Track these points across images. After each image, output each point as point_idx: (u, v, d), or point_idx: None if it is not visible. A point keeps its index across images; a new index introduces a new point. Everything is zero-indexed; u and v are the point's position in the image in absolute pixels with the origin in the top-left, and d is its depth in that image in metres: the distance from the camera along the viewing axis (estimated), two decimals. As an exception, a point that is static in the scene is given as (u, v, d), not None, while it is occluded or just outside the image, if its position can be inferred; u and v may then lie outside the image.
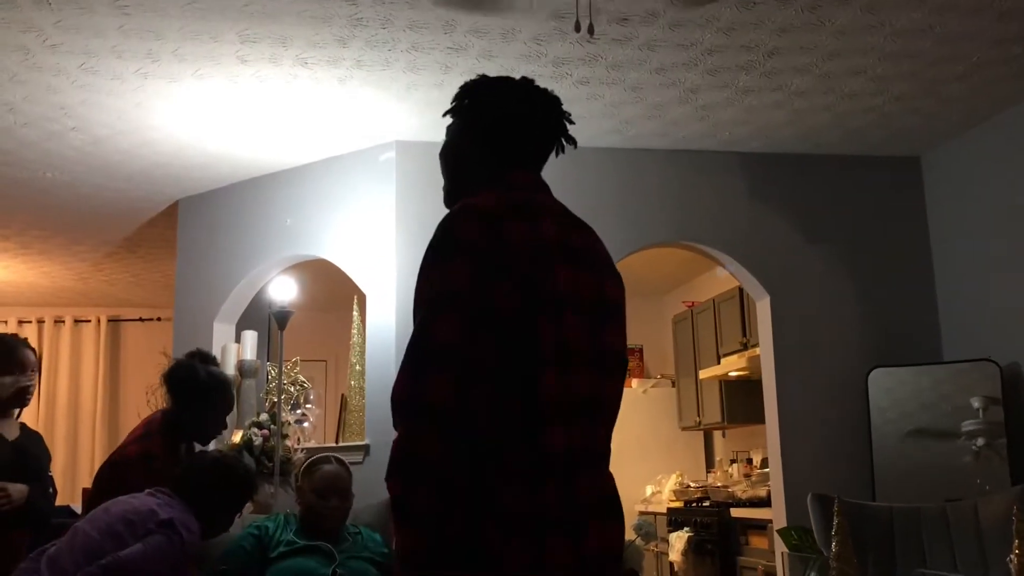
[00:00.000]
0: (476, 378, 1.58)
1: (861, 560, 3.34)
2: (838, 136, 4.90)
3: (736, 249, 5.02)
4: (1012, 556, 2.72)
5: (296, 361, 5.04)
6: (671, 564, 6.25)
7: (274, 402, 4.56)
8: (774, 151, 5.08)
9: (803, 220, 5.08)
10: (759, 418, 5.25)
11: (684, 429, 7.42)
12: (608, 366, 1.74)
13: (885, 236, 5.13)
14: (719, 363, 6.50)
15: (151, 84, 4.10)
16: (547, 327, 1.63)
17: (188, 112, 4.41)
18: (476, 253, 1.61)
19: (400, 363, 1.61)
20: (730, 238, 5.02)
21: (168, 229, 6.07)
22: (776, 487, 4.89)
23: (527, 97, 1.89)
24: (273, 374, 4.86)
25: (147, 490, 2.83)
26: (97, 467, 7.39)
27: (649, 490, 7.14)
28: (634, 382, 7.68)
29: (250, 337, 5.06)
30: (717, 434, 7.49)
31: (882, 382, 4.76)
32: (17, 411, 3.28)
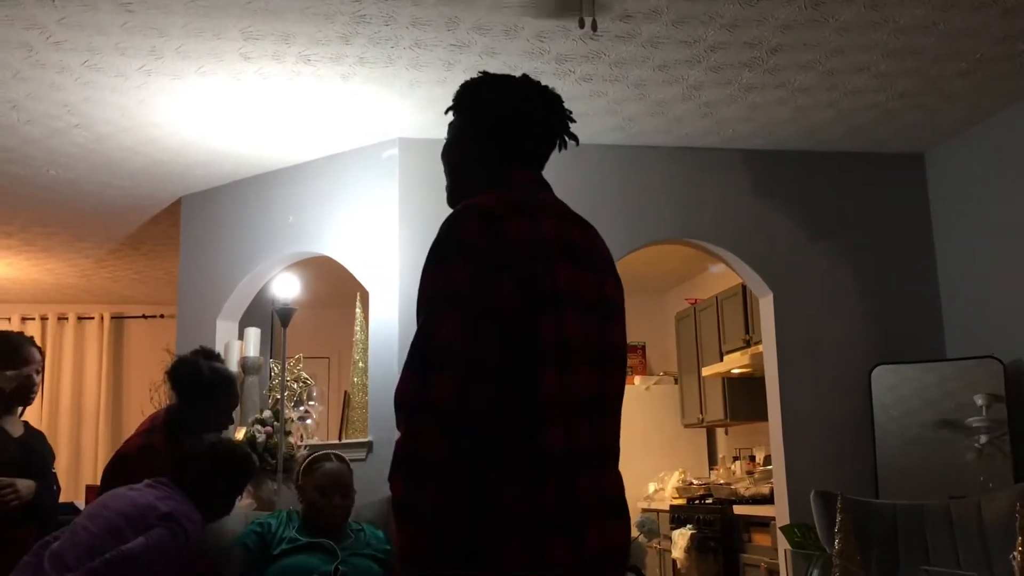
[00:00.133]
0: (478, 377, 1.58)
1: (864, 557, 3.33)
2: (841, 133, 4.89)
3: (739, 246, 5.01)
4: (1015, 553, 2.71)
5: (299, 358, 5.04)
6: (674, 561, 6.26)
7: (277, 399, 4.57)
8: (777, 148, 5.08)
9: (806, 217, 5.08)
10: (762, 415, 5.25)
11: (687, 426, 7.42)
12: (609, 364, 1.75)
13: (888, 233, 5.13)
14: (722, 360, 6.50)
15: (154, 81, 4.10)
16: (547, 326, 1.64)
17: (191, 109, 4.41)
18: (477, 253, 1.61)
19: (403, 362, 1.61)
20: (733, 235, 5.02)
21: (171, 226, 6.07)
22: (779, 484, 4.89)
23: (528, 95, 1.89)
24: (276, 371, 4.87)
25: (145, 481, 2.83)
26: (100, 464, 7.40)
27: (652, 487, 7.14)
28: (636, 379, 7.67)
29: (253, 334, 5.07)
30: (720, 431, 7.49)
31: (885, 379, 4.76)
32: (20, 409, 3.28)
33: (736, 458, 6.91)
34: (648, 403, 7.49)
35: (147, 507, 2.66)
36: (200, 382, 3.16)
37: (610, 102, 4.41)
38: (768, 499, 5.45)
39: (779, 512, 4.88)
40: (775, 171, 5.10)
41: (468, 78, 1.94)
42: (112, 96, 4.25)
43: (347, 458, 3.35)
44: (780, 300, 4.97)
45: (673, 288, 8.09)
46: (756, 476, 6.09)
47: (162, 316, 8.65)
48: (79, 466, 8.29)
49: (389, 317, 4.67)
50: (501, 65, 3.88)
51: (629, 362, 7.82)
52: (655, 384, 7.63)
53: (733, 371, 6.38)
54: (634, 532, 3.78)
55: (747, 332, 6.18)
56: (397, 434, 1.59)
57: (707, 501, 6.27)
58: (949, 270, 5.05)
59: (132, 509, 2.65)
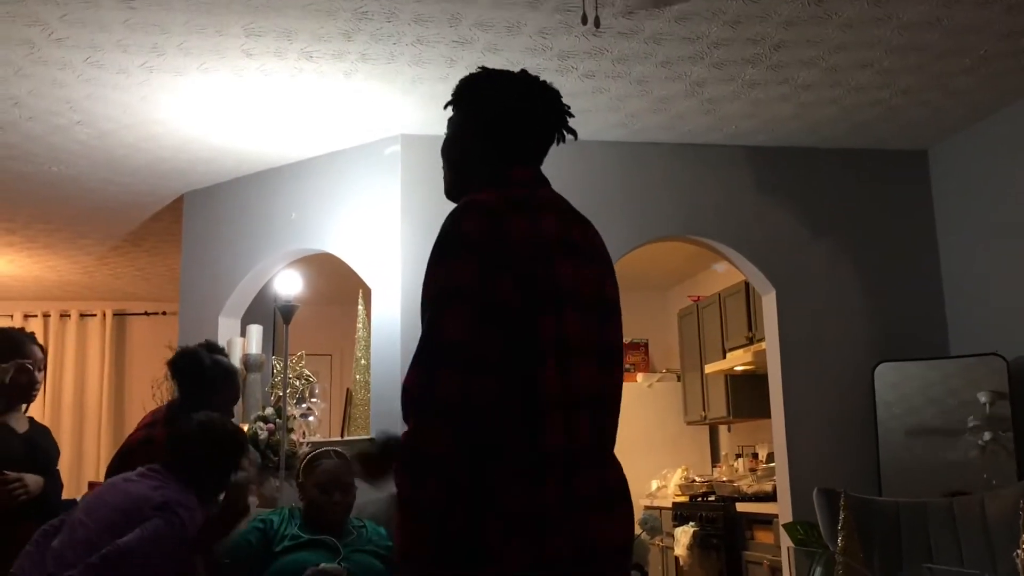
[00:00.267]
0: (481, 374, 1.59)
1: (867, 555, 3.33)
2: (844, 129, 4.88)
3: (742, 243, 5.01)
4: (1019, 551, 2.71)
5: (301, 355, 5.04)
6: (676, 559, 6.26)
7: (279, 396, 4.57)
8: (780, 145, 5.07)
9: (809, 214, 5.07)
10: (765, 413, 5.24)
11: (689, 423, 7.41)
12: (608, 362, 1.76)
13: (892, 230, 5.12)
14: (725, 357, 6.49)
15: (156, 78, 4.10)
16: (548, 323, 1.64)
17: (193, 106, 4.41)
18: (479, 250, 1.62)
19: (410, 360, 1.62)
20: (736, 232, 5.01)
21: (173, 223, 6.07)
22: (782, 482, 4.89)
23: (528, 91, 1.89)
24: (278, 368, 4.87)
25: (139, 469, 2.82)
26: (103, 461, 7.40)
27: (654, 484, 7.14)
28: (639, 376, 7.67)
29: (255, 331, 5.07)
30: (722, 428, 7.49)
31: (888, 377, 4.75)
32: (24, 406, 3.28)
33: (739, 455, 6.90)
34: (651, 400, 7.49)
35: (142, 498, 2.65)
36: (202, 374, 3.15)
37: (612, 98, 4.41)
38: (771, 496, 5.45)
39: (782, 509, 4.88)
40: (778, 168, 5.09)
41: (467, 73, 1.94)
42: (114, 93, 4.24)
43: (348, 455, 3.34)
44: (783, 297, 4.97)
45: (676, 285, 8.09)
46: (759, 473, 6.09)
47: (164, 313, 8.65)
48: (81, 463, 8.30)
49: (391, 314, 4.67)
50: (503, 62, 3.88)
51: (632, 359, 7.87)
52: (658, 381, 7.63)
53: (736, 368, 6.37)
54: (637, 529, 3.78)
55: (750, 329, 6.18)
56: (402, 431, 1.60)
57: (710, 498, 6.26)
58: (952, 267, 5.04)
59: (127, 502, 2.64)
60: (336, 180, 5.00)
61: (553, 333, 1.65)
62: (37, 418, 3.45)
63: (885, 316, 5.01)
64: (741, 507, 5.77)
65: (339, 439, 4.83)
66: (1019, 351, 4.50)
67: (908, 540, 3.81)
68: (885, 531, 3.83)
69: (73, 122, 4.57)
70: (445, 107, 1.94)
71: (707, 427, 7.57)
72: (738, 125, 4.78)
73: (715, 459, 7.53)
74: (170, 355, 3.29)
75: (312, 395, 5.02)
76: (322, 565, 2.91)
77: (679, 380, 7.56)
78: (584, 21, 3.18)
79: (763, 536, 5.48)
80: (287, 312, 4.30)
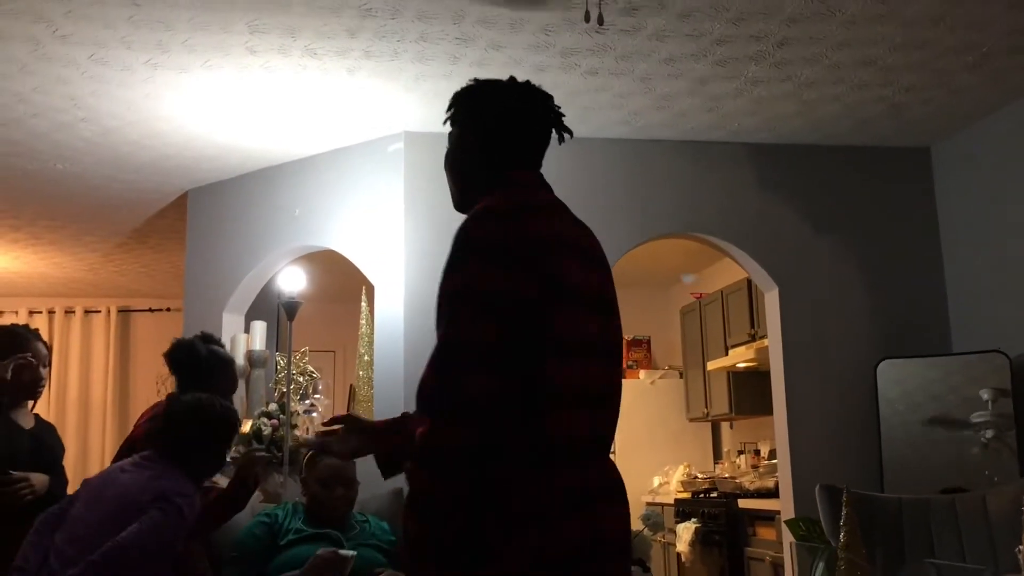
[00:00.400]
0: (502, 373, 1.63)
1: (869, 551, 3.34)
2: (847, 127, 4.88)
3: (744, 240, 5.01)
4: (1021, 547, 2.72)
5: (305, 351, 5.06)
6: (678, 555, 6.27)
7: (283, 392, 4.58)
8: (783, 142, 5.07)
9: (812, 211, 5.07)
10: (767, 409, 5.25)
11: (692, 420, 7.42)
12: (613, 359, 1.82)
13: (894, 227, 5.12)
14: (727, 354, 6.50)
15: (160, 75, 4.11)
16: (563, 322, 1.70)
17: (197, 103, 4.42)
18: (498, 253, 1.67)
19: (429, 361, 1.66)
20: (738, 229, 5.02)
21: (178, 220, 6.08)
22: (784, 478, 4.89)
23: (522, 96, 1.94)
24: (282, 364, 4.88)
25: (133, 458, 2.82)
26: (107, 457, 7.43)
27: (656, 481, 7.15)
28: (642, 373, 7.68)
29: (259, 327, 5.08)
30: (725, 425, 7.49)
31: (891, 373, 4.75)
32: (31, 403, 3.29)
33: (741, 452, 6.91)
34: (653, 397, 7.50)
35: (138, 490, 2.64)
36: (198, 364, 3.16)
37: (615, 96, 4.41)
38: (773, 493, 5.46)
39: (784, 506, 4.89)
40: (781, 165, 5.09)
41: (461, 86, 1.99)
42: (118, 90, 4.26)
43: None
44: (785, 294, 4.97)
45: (678, 282, 8.09)
46: (761, 470, 6.10)
47: (169, 310, 8.67)
48: (86, 459, 8.32)
49: (395, 311, 4.68)
50: (506, 58, 3.88)
51: (634, 356, 7.89)
52: (660, 378, 7.64)
53: (738, 365, 6.38)
54: (639, 525, 3.79)
55: (752, 326, 6.18)
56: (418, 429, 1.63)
57: (712, 495, 6.27)
58: (955, 264, 5.04)
59: (124, 495, 2.64)
60: (339, 177, 5.02)
61: (568, 332, 1.70)
62: (42, 415, 3.46)
63: (887, 313, 5.01)
64: (743, 503, 5.78)
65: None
66: (1022, 348, 4.50)
67: (910, 536, 3.82)
68: (887, 527, 3.83)
69: (77, 119, 4.58)
70: (444, 123, 1.99)
71: (709, 424, 7.58)
72: (741, 122, 4.79)
73: (717, 456, 7.54)
74: (172, 351, 3.30)
75: (315, 391, 5.04)
76: (339, 551, 2.92)
77: (681, 377, 7.57)
78: (587, 18, 3.19)
79: (765, 532, 5.49)
80: (291, 308, 4.31)
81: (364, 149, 4.95)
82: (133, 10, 3.55)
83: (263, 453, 3.09)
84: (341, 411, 6.63)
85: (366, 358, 4.99)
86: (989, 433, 4.42)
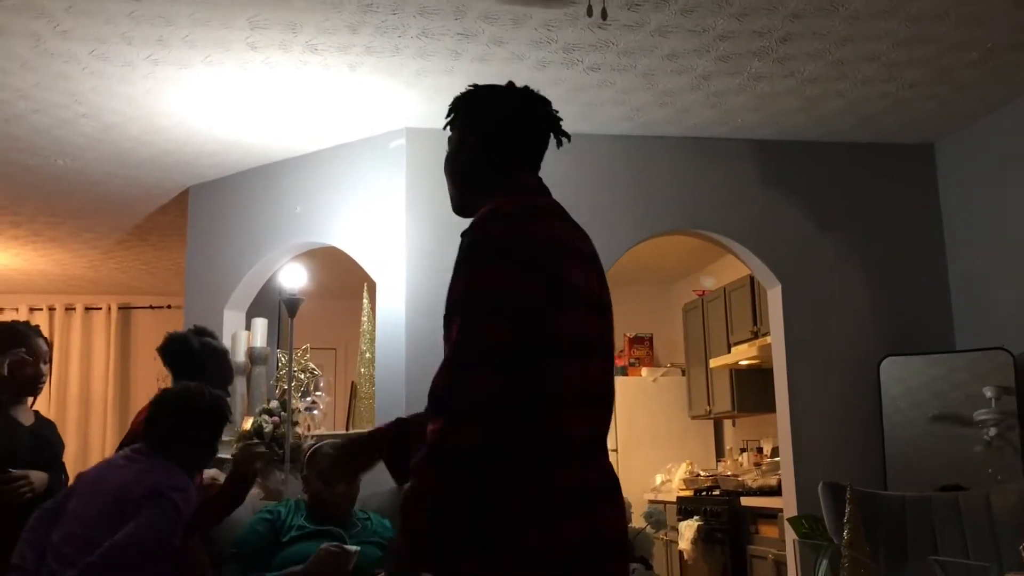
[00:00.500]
0: (514, 373, 1.67)
1: (872, 549, 3.32)
2: (851, 123, 4.86)
3: (747, 237, 5.00)
4: (1025, 545, 2.70)
5: (306, 348, 5.05)
6: (681, 553, 6.26)
7: (284, 389, 4.57)
8: (786, 138, 5.05)
9: (815, 208, 5.06)
10: (770, 407, 5.24)
11: (694, 418, 7.41)
12: (610, 358, 1.88)
13: (898, 224, 5.10)
14: (730, 352, 6.49)
15: (161, 71, 4.09)
16: (568, 323, 1.75)
17: (198, 99, 4.40)
18: (509, 255, 1.71)
19: (443, 362, 1.69)
20: (741, 226, 5.00)
21: (178, 216, 6.07)
22: (787, 476, 4.88)
23: (522, 101, 1.97)
24: (283, 361, 4.87)
25: (124, 452, 2.80)
26: (108, 453, 7.43)
27: (659, 479, 7.14)
28: (644, 371, 7.67)
29: (260, 324, 5.07)
30: (727, 423, 7.48)
31: (894, 371, 4.74)
32: (31, 400, 3.28)
33: (743, 450, 6.90)
34: (655, 395, 7.49)
35: (131, 486, 2.61)
36: (191, 356, 3.16)
37: (618, 92, 4.40)
38: (775, 491, 5.45)
39: (786, 504, 4.88)
40: (784, 161, 5.08)
41: (461, 90, 2.02)
42: (119, 86, 4.24)
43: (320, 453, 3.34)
44: (788, 291, 4.96)
45: (681, 279, 8.08)
46: (763, 468, 6.08)
47: (169, 307, 8.66)
48: (87, 456, 8.31)
49: (396, 308, 4.67)
50: (508, 54, 3.87)
51: (637, 354, 7.88)
52: (662, 376, 7.63)
53: (741, 363, 6.37)
54: (641, 523, 3.78)
55: (755, 323, 6.17)
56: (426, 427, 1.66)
57: (714, 493, 6.26)
58: (959, 261, 5.03)
59: (118, 491, 2.61)
60: (341, 173, 5.00)
61: (570, 332, 1.75)
62: (43, 411, 3.45)
63: (891, 310, 5.00)
64: (746, 501, 5.77)
65: (343, 432, 4.83)
66: (1025, 345, 4.49)
67: (913, 534, 3.81)
68: (890, 525, 3.82)
69: (78, 115, 4.57)
70: (444, 127, 2.03)
71: (712, 421, 7.56)
72: (744, 118, 4.77)
73: (720, 453, 7.53)
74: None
75: (317, 388, 5.03)
76: (344, 546, 2.91)
77: (684, 374, 7.56)
78: (590, 13, 3.17)
79: (767, 530, 5.48)
80: (292, 306, 4.30)
81: (365, 145, 4.93)
82: (134, 6, 3.54)
83: (261, 449, 3.07)
84: (342, 409, 6.62)
85: (367, 355, 4.98)
86: (992, 431, 4.41)
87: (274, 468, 4.17)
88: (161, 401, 2.84)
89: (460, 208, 1.99)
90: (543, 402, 1.70)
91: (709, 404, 6.99)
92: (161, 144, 4.97)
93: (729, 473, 6.42)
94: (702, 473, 6.76)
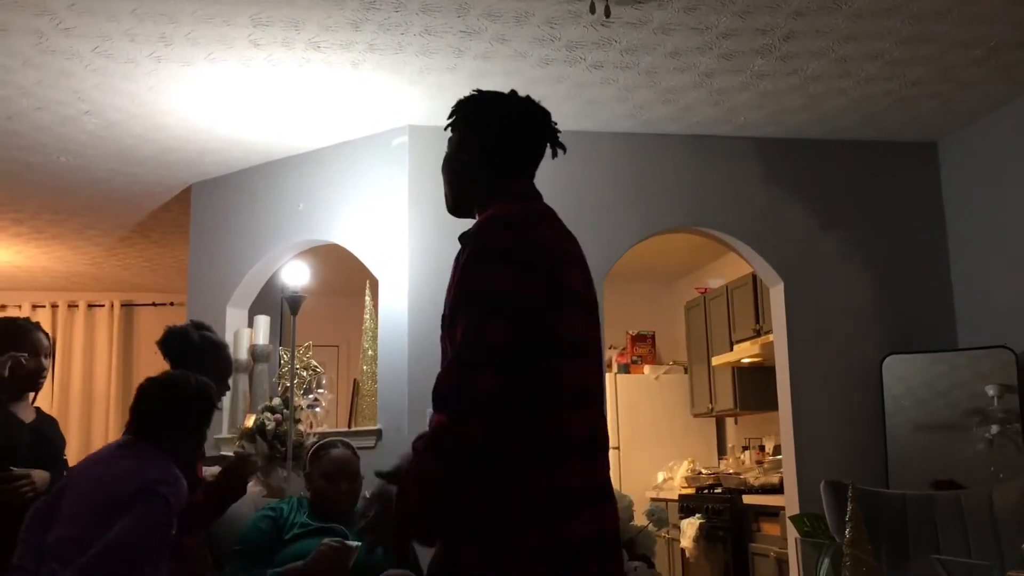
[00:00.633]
0: (517, 373, 1.72)
1: (874, 547, 3.32)
2: (854, 121, 4.86)
3: (750, 235, 4.99)
4: (1027, 543, 2.70)
5: (308, 346, 5.05)
6: (682, 551, 6.26)
7: (287, 387, 4.58)
8: (789, 136, 5.05)
9: (818, 206, 5.05)
10: (772, 405, 5.23)
11: (696, 416, 7.41)
12: (601, 358, 1.95)
13: (901, 222, 5.10)
14: (732, 350, 6.48)
15: (164, 68, 4.10)
16: (567, 324, 1.81)
17: (201, 96, 4.41)
18: (512, 258, 1.76)
19: (447, 362, 1.75)
20: (744, 224, 5.00)
21: (181, 214, 6.08)
22: (789, 474, 4.88)
23: (523, 110, 2.02)
24: (286, 359, 4.87)
25: (114, 444, 2.79)
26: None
27: (661, 477, 7.14)
28: (646, 368, 7.67)
29: (263, 322, 5.07)
30: (729, 421, 7.48)
31: (896, 369, 4.74)
32: (32, 395, 3.28)
33: (746, 448, 6.90)
34: (658, 392, 7.49)
35: (121, 482, 2.59)
36: (191, 348, 3.16)
37: (621, 89, 4.39)
38: (777, 489, 5.45)
39: (788, 502, 4.88)
40: (787, 159, 5.07)
41: (462, 95, 2.08)
42: (122, 83, 4.25)
43: (356, 446, 3.35)
44: (791, 289, 4.95)
45: (683, 277, 8.08)
46: (766, 466, 6.08)
47: (172, 304, 8.67)
48: (89, 452, 8.32)
49: (398, 305, 4.67)
50: (511, 52, 3.87)
51: (639, 351, 7.89)
52: (665, 374, 7.62)
53: (743, 361, 6.37)
54: (643, 521, 3.78)
55: (757, 321, 6.16)
56: (421, 418, 1.75)
57: (716, 491, 6.26)
58: (961, 259, 5.02)
59: (107, 488, 2.58)
60: (343, 171, 5.00)
61: (572, 334, 1.81)
62: (45, 408, 3.45)
63: (893, 308, 4.99)
64: (747, 499, 5.77)
65: (346, 429, 4.84)
66: (1028, 344, 4.48)
67: (915, 532, 3.81)
68: (892, 523, 3.82)
69: (81, 112, 4.57)
70: (446, 129, 2.08)
71: (714, 419, 7.56)
72: (747, 116, 4.77)
73: (722, 451, 7.53)
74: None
75: (319, 386, 5.03)
76: (344, 541, 2.91)
77: (686, 372, 7.56)
78: (592, 10, 3.17)
79: (769, 528, 5.48)
80: (294, 303, 4.30)
81: (368, 143, 4.93)
82: (137, 3, 3.54)
83: (254, 459, 3.07)
84: (344, 406, 6.62)
85: (370, 353, 4.98)
86: (994, 429, 4.41)
87: (276, 465, 4.18)
88: (145, 389, 2.80)
89: (454, 208, 2.04)
90: (544, 402, 1.75)
91: (711, 402, 6.99)
92: (164, 141, 4.97)
93: (731, 471, 6.42)
94: (704, 471, 6.76)
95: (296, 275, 4.35)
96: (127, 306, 8.84)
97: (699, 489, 6.48)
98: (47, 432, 3.25)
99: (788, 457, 4.88)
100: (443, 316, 1.84)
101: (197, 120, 4.69)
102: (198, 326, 3.30)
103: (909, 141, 5.16)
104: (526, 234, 1.80)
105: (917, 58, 4.12)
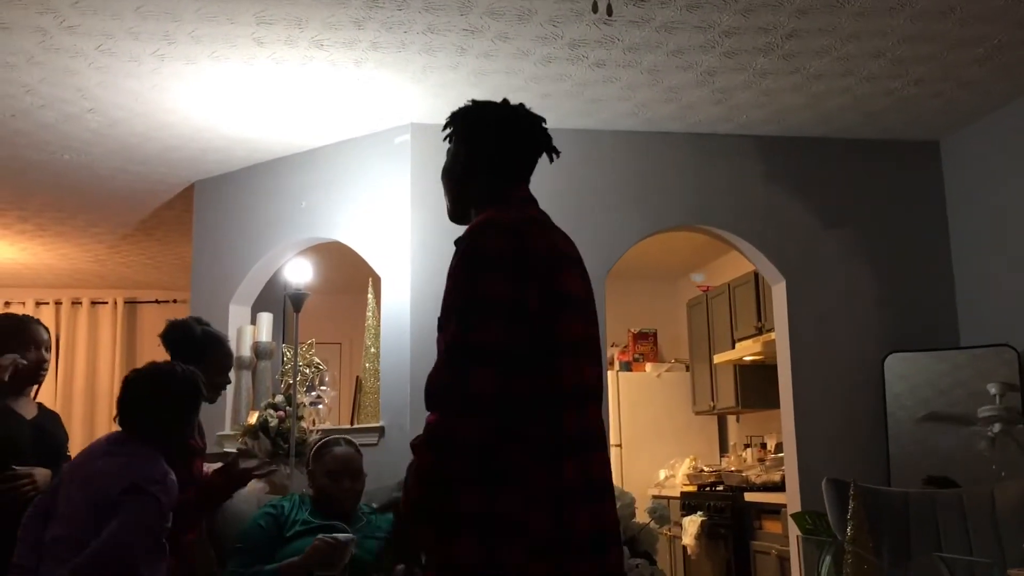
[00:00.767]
0: (509, 371, 1.76)
1: (876, 545, 3.33)
2: (856, 120, 4.86)
3: (752, 233, 5.00)
4: (1028, 541, 2.70)
5: (311, 343, 5.06)
6: (684, 548, 6.26)
7: (289, 384, 4.59)
8: (791, 135, 5.05)
9: (820, 204, 5.05)
10: (773, 403, 5.24)
11: (698, 413, 7.42)
12: (599, 358, 1.99)
13: (903, 220, 5.10)
14: (734, 347, 6.49)
15: (168, 66, 4.10)
16: (563, 326, 1.85)
17: (204, 94, 4.41)
18: (505, 263, 1.80)
19: (437, 362, 1.79)
20: (746, 222, 5.00)
21: (184, 211, 6.09)
22: (790, 472, 4.89)
23: (519, 118, 2.08)
24: (288, 356, 4.89)
25: (101, 441, 2.78)
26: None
27: (663, 474, 7.15)
28: (648, 366, 7.67)
29: (266, 319, 5.09)
30: (731, 419, 7.49)
31: (898, 367, 4.74)
32: (34, 390, 3.28)
33: (747, 445, 6.91)
34: (659, 390, 7.49)
35: (110, 482, 2.57)
36: (193, 342, 3.17)
37: (623, 88, 4.40)
38: (779, 486, 5.45)
39: (790, 499, 4.88)
40: (789, 158, 5.07)
41: (459, 106, 2.14)
42: (126, 81, 4.25)
43: (359, 443, 3.36)
44: (793, 287, 4.96)
45: (685, 275, 8.08)
46: (767, 463, 6.09)
47: (175, 301, 8.68)
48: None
49: (401, 303, 4.68)
50: (514, 50, 3.87)
51: (641, 349, 7.88)
52: (666, 371, 7.63)
53: (745, 358, 6.37)
54: (645, 518, 3.79)
55: (759, 319, 6.17)
56: (423, 416, 1.77)
57: (718, 488, 6.27)
58: (963, 258, 5.02)
59: (98, 489, 2.57)
60: (346, 169, 5.01)
61: (567, 334, 1.85)
62: (48, 404, 3.45)
63: (895, 306, 4.99)
64: (749, 497, 5.78)
65: (348, 427, 4.85)
66: (1030, 342, 4.48)
67: (917, 530, 3.81)
68: (894, 521, 3.83)
69: (85, 110, 4.58)
70: (444, 139, 2.13)
71: (715, 417, 7.57)
72: (749, 115, 4.77)
73: (723, 449, 7.53)
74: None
75: (322, 383, 5.04)
76: (337, 536, 2.91)
77: (688, 370, 7.56)
78: (595, 9, 3.17)
79: (771, 526, 5.49)
80: (297, 300, 4.31)
81: (371, 141, 4.94)
82: (140, 1, 3.55)
83: (252, 464, 3.08)
84: (347, 403, 6.63)
85: (372, 350, 4.99)
86: (997, 427, 4.41)
87: (279, 462, 4.19)
88: (131, 381, 2.77)
89: (455, 216, 2.10)
90: (544, 401, 1.78)
91: (713, 400, 6.99)
92: (167, 139, 4.98)
93: (733, 469, 6.43)
94: (706, 469, 6.76)
95: (299, 272, 4.36)
96: (130, 303, 8.85)
97: (701, 487, 6.49)
98: (49, 428, 3.24)
99: (790, 455, 4.89)
100: (439, 319, 1.87)
101: (200, 118, 4.70)
102: (199, 321, 3.31)
103: (911, 140, 5.16)
104: (519, 240, 1.84)
105: (919, 57, 4.12)
